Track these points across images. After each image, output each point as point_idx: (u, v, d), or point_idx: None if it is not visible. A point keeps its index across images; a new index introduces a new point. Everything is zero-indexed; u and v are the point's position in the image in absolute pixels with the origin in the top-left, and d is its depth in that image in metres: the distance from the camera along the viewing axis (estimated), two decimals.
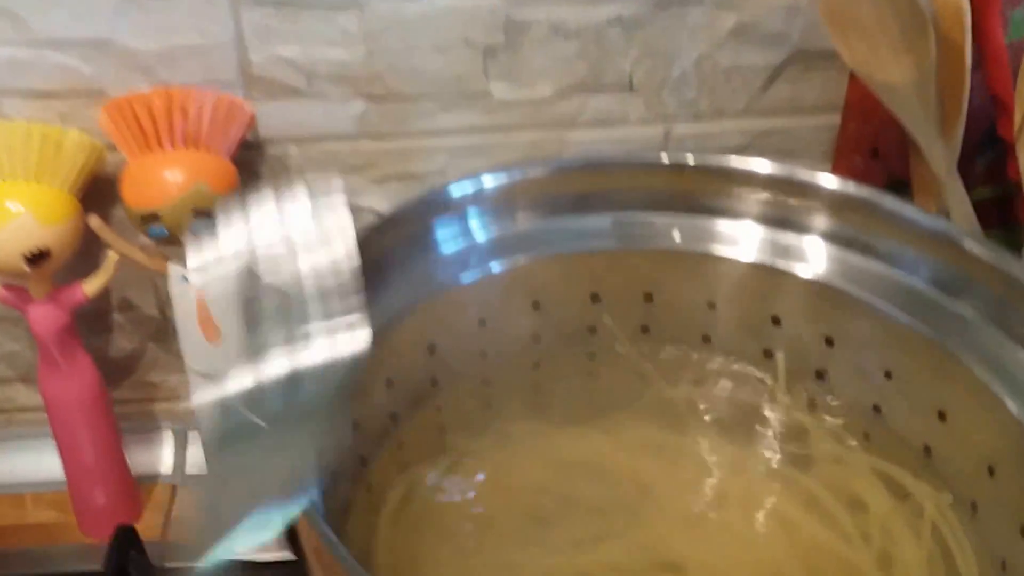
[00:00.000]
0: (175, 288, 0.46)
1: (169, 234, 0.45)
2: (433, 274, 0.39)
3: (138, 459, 0.59)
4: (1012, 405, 0.35)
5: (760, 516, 0.40)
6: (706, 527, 0.40)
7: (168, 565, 0.51)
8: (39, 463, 0.57)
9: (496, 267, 0.41)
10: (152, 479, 0.59)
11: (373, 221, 0.37)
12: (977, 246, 0.37)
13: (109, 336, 0.56)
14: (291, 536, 0.29)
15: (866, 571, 0.38)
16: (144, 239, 0.48)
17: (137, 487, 0.57)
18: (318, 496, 0.29)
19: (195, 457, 0.60)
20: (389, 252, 0.37)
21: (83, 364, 0.52)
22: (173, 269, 0.46)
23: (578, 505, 0.40)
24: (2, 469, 0.59)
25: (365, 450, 0.38)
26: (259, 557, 0.45)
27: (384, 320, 0.37)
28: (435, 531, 0.40)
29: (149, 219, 0.45)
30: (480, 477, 0.42)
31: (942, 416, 0.38)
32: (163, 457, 0.60)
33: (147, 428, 0.60)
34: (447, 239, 0.40)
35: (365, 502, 0.38)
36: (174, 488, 0.59)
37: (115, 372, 0.58)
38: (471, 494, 0.42)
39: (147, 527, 0.56)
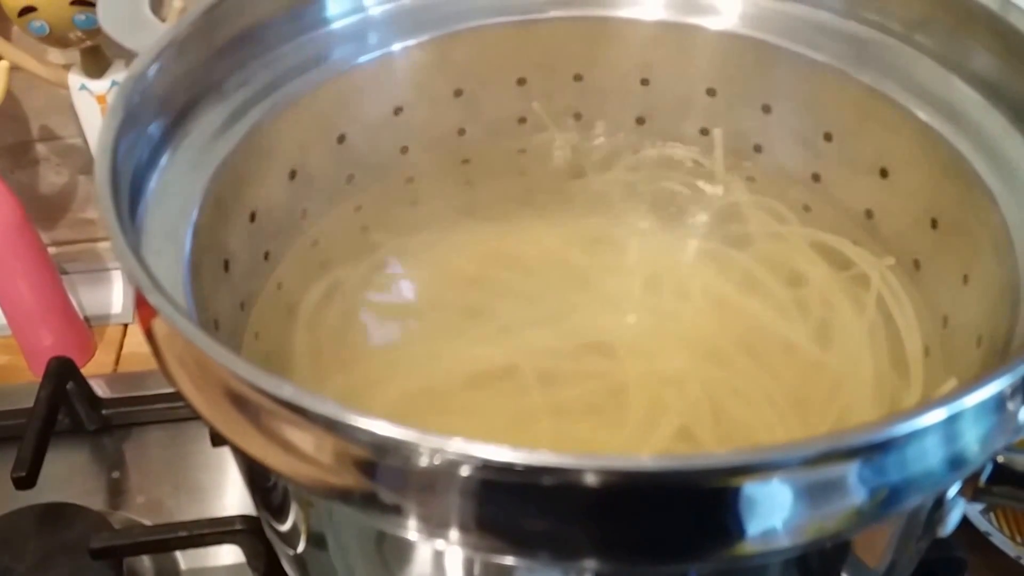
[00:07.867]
0: (78, 100, 0.43)
1: (51, 30, 0.41)
2: (326, 52, 0.36)
3: (88, 301, 0.59)
4: (956, 142, 0.32)
5: (693, 297, 0.39)
6: (638, 310, 0.39)
7: (116, 395, 0.51)
8: None
9: (397, 45, 0.37)
10: (104, 319, 0.58)
11: None
12: None
13: (35, 170, 0.54)
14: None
15: (803, 344, 0.36)
16: (50, 56, 0.45)
17: (87, 328, 0.57)
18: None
19: None
20: (268, 23, 0.34)
21: None
22: (73, 79, 0.43)
23: (508, 297, 0.39)
24: None
25: (269, 245, 0.36)
26: None
27: (275, 101, 0.34)
28: (360, 330, 0.38)
29: (26, 11, 0.41)
30: (408, 275, 0.41)
31: (884, 173, 0.36)
32: (113, 298, 0.59)
33: (94, 269, 0.59)
34: (337, 12, 0.36)
35: (275, 300, 0.37)
36: (126, 327, 0.58)
37: (48, 210, 0.56)
38: (398, 292, 0.40)
39: (100, 365, 0.55)
